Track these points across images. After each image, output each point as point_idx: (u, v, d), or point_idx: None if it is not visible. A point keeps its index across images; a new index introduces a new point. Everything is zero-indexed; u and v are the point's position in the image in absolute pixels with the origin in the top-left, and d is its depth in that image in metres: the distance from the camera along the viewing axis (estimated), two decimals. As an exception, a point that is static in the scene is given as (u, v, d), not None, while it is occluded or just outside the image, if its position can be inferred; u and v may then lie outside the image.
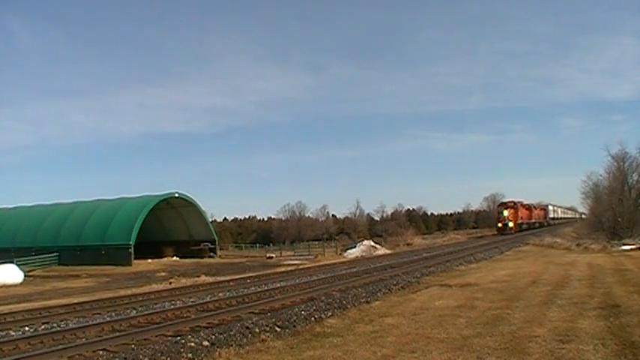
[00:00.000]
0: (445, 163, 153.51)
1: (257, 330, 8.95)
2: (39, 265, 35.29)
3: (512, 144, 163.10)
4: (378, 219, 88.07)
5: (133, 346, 8.13)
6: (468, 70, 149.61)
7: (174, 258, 41.23)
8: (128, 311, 11.78)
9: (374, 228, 79.62)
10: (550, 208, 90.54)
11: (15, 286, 25.14)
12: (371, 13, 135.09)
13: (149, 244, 40.69)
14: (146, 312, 11.56)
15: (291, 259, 36.77)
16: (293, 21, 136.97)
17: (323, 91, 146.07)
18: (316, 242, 58.19)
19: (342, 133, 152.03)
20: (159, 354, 7.49)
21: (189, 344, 7.98)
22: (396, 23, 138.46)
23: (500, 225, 63.29)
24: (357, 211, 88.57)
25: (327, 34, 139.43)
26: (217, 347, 7.88)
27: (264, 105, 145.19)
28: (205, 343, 8.12)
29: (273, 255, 42.29)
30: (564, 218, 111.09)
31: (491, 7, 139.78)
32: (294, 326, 9.38)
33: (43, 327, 10.16)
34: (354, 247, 43.14)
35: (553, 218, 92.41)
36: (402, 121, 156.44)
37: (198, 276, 23.72)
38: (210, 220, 57.41)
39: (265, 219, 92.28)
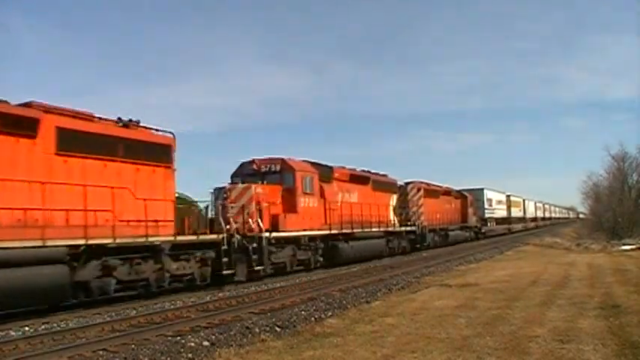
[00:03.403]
0: (446, 163, 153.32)
1: (257, 330, 8.95)
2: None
3: (513, 144, 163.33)
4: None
5: (133, 346, 8.12)
6: (469, 70, 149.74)
7: (174, 258, 41.01)
8: (128, 311, 11.76)
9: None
10: (489, 196, 46.08)
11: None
12: (373, 13, 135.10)
13: (149, 244, 40.16)
14: (146, 312, 11.55)
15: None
16: (295, 20, 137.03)
17: (324, 90, 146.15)
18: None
19: (342, 132, 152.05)
20: (159, 354, 7.49)
21: (189, 344, 7.98)
22: (398, 23, 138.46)
23: None
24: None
25: (329, 33, 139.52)
26: (217, 347, 7.88)
27: (266, 104, 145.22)
28: (205, 343, 8.12)
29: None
30: (547, 219, 79.38)
31: (494, 7, 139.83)
32: (294, 326, 9.38)
33: (43, 327, 10.14)
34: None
35: (506, 220, 51.46)
36: (404, 120, 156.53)
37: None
38: (211, 219, 57.21)
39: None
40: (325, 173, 21.05)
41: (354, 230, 21.61)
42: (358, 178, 23.91)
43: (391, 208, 26.88)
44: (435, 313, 9.85)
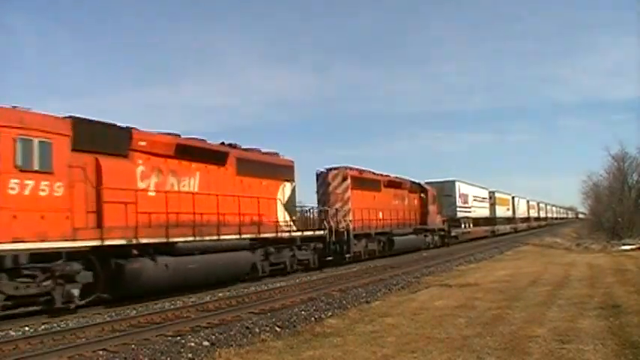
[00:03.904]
0: (446, 163, 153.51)
1: (257, 330, 8.96)
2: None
3: (512, 144, 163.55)
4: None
5: (133, 346, 8.12)
6: (469, 70, 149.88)
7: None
8: (128, 311, 11.77)
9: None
10: (464, 191, 38.91)
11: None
12: (374, 13, 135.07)
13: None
14: (146, 312, 11.55)
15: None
16: (295, 20, 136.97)
17: (326, 90, 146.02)
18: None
19: (344, 132, 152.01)
20: (159, 354, 7.49)
21: (189, 344, 7.98)
22: (398, 23, 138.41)
23: None
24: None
25: (329, 33, 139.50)
26: (217, 347, 7.89)
27: (268, 104, 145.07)
28: (205, 343, 8.13)
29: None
30: (542, 219, 73.65)
31: (494, 7, 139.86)
32: (294, 326, 9.39)
33: (43, 327, 10.14)
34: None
35: (489, 221, 44.88)
36: (404, 120, 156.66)
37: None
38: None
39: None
40: (107, 139, 12.21)
41: (172, 240, 12.98)
42: (199, 154, 14.84)
43: (279, 203, 18.17)
44: (435, 313, 9.85)
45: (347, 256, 21.43)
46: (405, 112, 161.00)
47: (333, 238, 20.69)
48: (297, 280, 16.98)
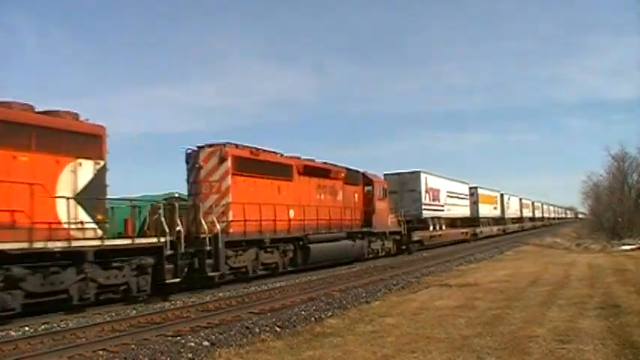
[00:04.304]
0: (447, 163, 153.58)
1: (257, 330, 8.96)
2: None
3: (512, 143, 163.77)
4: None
5: (133, 346, 8.12)
6: (470, 70, 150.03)
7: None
8: (128, 311, 11.76)
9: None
10: (433, 185, 31.78)
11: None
12: (375, 13, 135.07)
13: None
14: (146, 312, 11.55)
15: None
16: (297, 20, 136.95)
17: (326, 90, 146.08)
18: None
19: (344, 132, 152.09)
20: (159, 354, 7.49)
21: (189, 344, 7.98)
22: (398, 22, 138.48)
23: None
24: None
25: (329, 33, 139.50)
26: (217, 347, 7.90)
27: (268, 104, 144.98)
28: (205, 343, 8.13)
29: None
30: (537, 219, 67.63)
31: (494, 7, 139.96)
32: (294, 326, 9.40)
33: (43, 327, 10.14)
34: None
35: (470, 222, 39.48)
36: (405, 120, 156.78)
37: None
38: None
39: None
40: None
41: None
42: None
43: (62, 192, 11.39)
44: (435, 313, 9.85)
45: (214, 274, 14.53)
46: (405, 112, 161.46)
47: (182, 249, 13.63)
48: (297, 280, 16.97)
